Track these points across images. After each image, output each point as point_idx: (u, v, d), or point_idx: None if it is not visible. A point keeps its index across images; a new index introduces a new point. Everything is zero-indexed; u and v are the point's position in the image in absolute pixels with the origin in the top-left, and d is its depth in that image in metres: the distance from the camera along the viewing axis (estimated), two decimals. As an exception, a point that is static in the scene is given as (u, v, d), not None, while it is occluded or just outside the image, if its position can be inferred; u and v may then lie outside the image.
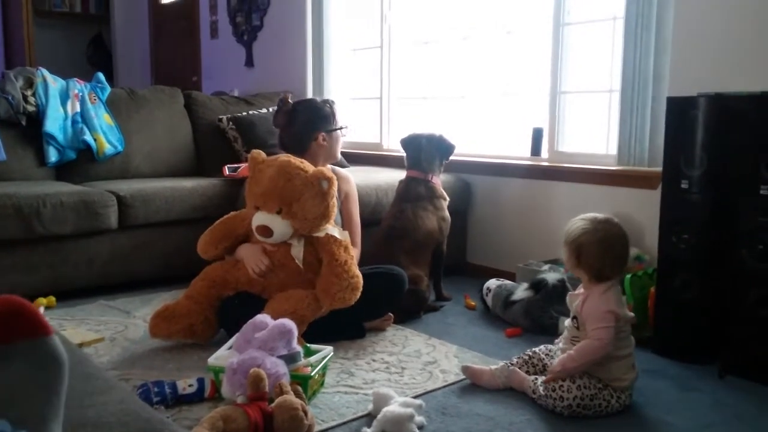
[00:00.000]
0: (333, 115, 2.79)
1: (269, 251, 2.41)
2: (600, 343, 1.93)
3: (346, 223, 2.74)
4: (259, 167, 2.44)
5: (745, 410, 1.99)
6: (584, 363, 1.95)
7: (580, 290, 2.05)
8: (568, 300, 2.08)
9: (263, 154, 2.50)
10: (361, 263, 2.61)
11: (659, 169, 2.55)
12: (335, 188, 2.39)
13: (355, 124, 4.04)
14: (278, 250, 2.40)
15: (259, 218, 2.36)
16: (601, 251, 1.96)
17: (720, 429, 1.88)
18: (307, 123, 2.74)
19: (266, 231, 2.35)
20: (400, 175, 3.17)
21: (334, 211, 2.43)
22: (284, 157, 2.45)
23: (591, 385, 1.93)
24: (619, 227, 2.01)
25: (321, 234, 2.39)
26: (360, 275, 2.37)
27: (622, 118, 2.90)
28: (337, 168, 2.89)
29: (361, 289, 2.35)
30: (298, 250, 2.39)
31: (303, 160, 2.45)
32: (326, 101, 2.85)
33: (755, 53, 2.50)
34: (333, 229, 2.43)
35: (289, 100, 2.83)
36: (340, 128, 2.81)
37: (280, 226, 2.35)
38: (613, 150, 3.01)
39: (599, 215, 2.03)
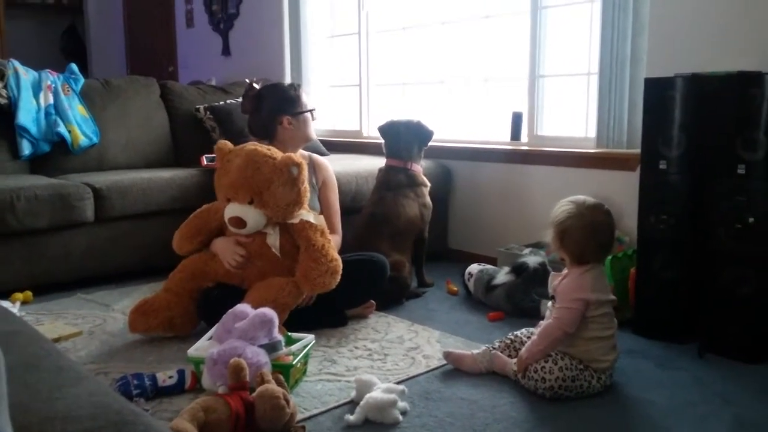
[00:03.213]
0: (298, 98, 2.75)
1: (245, 242, 2.38)
2: (557, 322, 1.94)
3: (325, 210, 2.71)
4: (227, 158, 2.39)
5: (724, 388, 2.01)
6: (546, 345, 1.95)
7: (565, 272, 2.05)
8: (550, 281, 2.08)
9: (230, 144, 2.45)
10: (343, 251, 2.60)
11: (638, 150, 2.56)
12: (305, 173, 2.36)
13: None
14: (254, 240, 2.37)
15: (232, 210, 2.32)
16: (585, 237, 1.95)
17: (701, 407, 1.89)
18: (272, 107, 2.71)
19: (239, 222, 2.31)
20: (380, 162, 3.14)
21: (307, 196, 2.39)
22: (251, 145, 2.40)
23: (572, 366, 1.93)
24: (606, 215, 1.98)
25: (296, 220, 2.35)
26: (339, 259, 2.35)
27: (601, 101, 2.90)
28: (314, 155, 2.86)
29: (340, 272, 2.33)
30: (274, 239, 2.36)
31: (271, 147, 2.41)
32: (291, 85, 2.82)
33: (731, 33, 2.51)
34: (308, 214, 2.40)
35: (255, 86, 2.80)
36: (308, 111, 2.77)
37: (253, 216, 2.31)
38: (592, 133, 3.01)
39: (590, 200, 2.00)
